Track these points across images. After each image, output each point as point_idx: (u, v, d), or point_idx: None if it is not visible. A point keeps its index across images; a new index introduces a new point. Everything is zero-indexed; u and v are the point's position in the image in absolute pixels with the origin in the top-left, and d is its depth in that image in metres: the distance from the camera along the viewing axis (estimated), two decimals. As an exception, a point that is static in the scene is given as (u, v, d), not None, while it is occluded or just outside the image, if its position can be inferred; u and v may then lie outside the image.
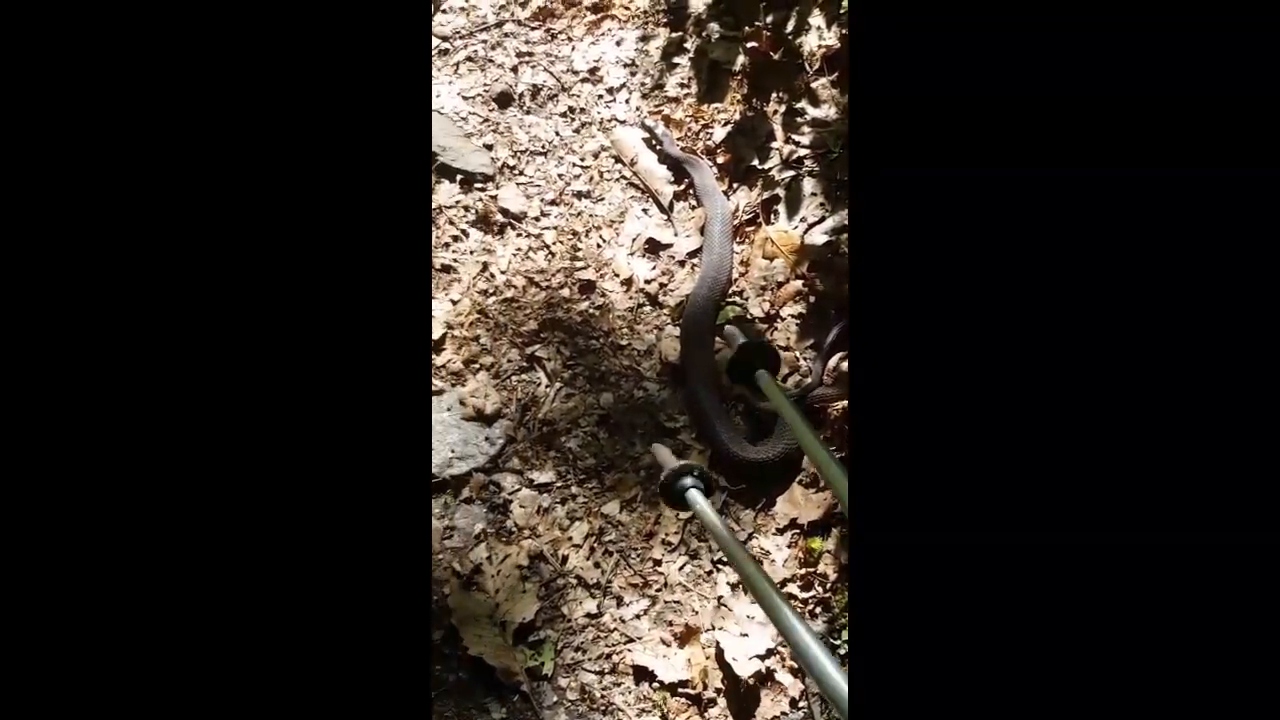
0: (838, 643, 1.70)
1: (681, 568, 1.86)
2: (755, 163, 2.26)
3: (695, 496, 1.36)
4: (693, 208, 2.27)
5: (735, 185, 2.28)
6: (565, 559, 1.86)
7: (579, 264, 2.22)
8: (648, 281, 2.19)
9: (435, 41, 2.56)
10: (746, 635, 1.75)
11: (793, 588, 1.79)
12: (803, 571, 1.79)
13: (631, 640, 1.79)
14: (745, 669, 1.70)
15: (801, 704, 1.68)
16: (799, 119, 2.24)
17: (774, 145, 2.25)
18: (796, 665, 1.70)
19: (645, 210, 2.31)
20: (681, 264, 2.21)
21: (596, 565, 1.86)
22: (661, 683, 1.74)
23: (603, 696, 1.74)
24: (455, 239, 2.28)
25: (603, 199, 2.33)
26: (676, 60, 2.47)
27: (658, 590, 1.84)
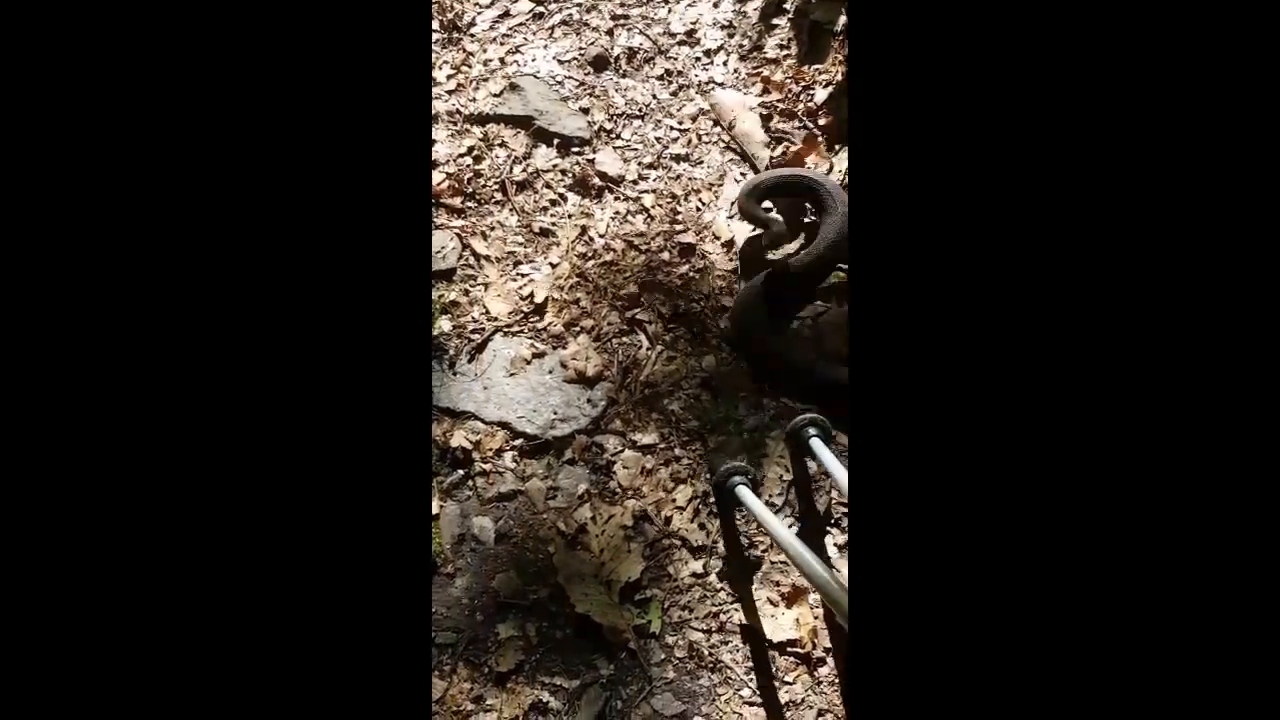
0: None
1: (789, 528, 1.85)
2: (858, 124, 2.22)
3: (744, 492, 1.59)
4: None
5: (838, 147, 2.24)
6: (669, 520, 1.86)
7: (678, 227, 2.20)
8: (738, 249, 2.17)
9: (530, 5, 2.56)
10: (855, 597, 1.73)
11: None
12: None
13: (737, 600, 1.79)
14: (855, 630, 1.68)
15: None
16: (903, 78, 2.19)
17: (877, 106, 2.21)
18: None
19: (744, 174, 2.29)
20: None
21: (701, 527, 1.85)
22: (770, 642, 1.73)
23: (711, 655, 1.74)
24: (553, 203, 2.29)
25: (701, 162, 2.32)
26: (775, 21, 2.43)
27: (763, 551, 1.83)
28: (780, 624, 1.74)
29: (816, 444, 1.69)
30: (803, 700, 1.68)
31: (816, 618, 1.73)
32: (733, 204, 2.17)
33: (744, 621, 1.76)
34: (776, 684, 1.70)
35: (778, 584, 1.79)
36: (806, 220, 2.14)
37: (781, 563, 1.82)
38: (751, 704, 1.69)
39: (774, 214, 2.14)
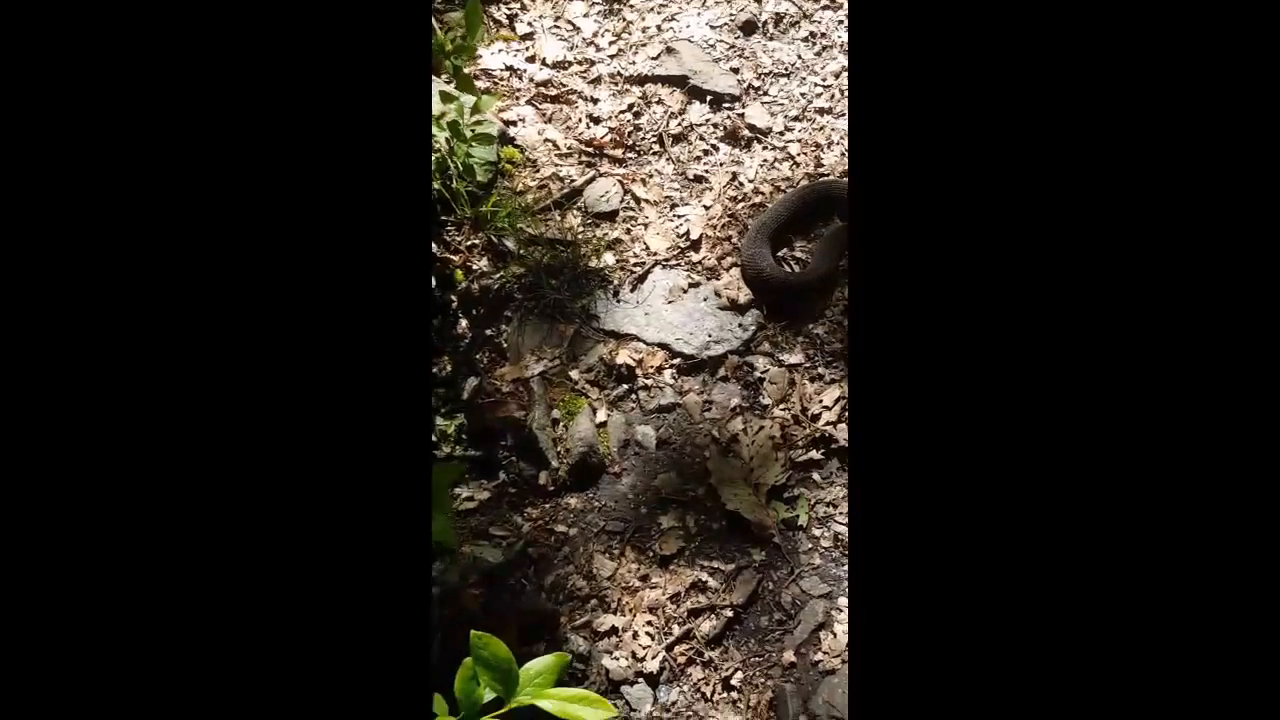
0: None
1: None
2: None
3: None
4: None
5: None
6: (817, 417, 2.06)
7: (822, 170, 2.39)
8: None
9: (684, -23, 2.79)
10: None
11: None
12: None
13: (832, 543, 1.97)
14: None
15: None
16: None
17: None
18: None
19: (884, 124, 2.46)
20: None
21: (845, 429, 2.04)
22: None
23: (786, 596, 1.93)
24: (705, 153, 2.51)
25: (844, 115, 2.50)
26: (916, -18, 2.59)
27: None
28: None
29: None
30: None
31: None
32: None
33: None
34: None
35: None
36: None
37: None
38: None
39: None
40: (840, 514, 1.97)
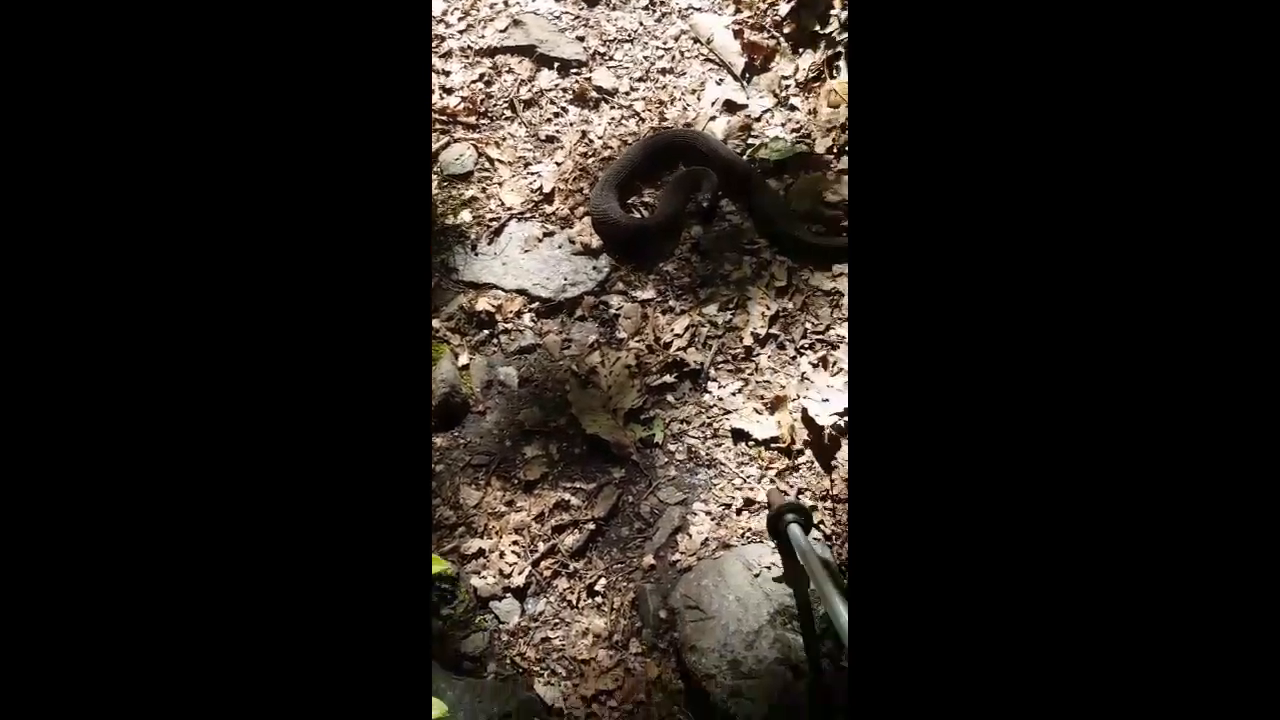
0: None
1: (770, 353, 2.16)
2: (817, 28, 2.55)
3: (795, 531, 1.48)
4: (756, 74, 2.56)
5: (801, 49, 2.57)
6: (668, 345, 2.17)
7: (666, 125, 2.53)
8: (725, 136, 2.49)
9: (529, -44, 2.91)
10: (827, 400, 2.03)
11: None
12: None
13: (729, 411, 2.09)
14: (827, 423, 1.98)
15: (877, 448, 1.95)
16: (855, -15, 2.52)
17: (833, 12, 2.54)
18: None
19: (720, 80, 2.61)
20: (757, 119, 2.51)
21: (695, 352, 2.16)
22: (755, 439, 2.03)
23: (707, 454, 2.04)
24: (556, 115, 2.62)
25: (684, 74, 2.65)
26: (743, -50, 2.77)
27: (750, 374, 2.14)
28: (765, 426, 2.04)
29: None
30: (784, 479, 1.98)
31: (795, 420, 2.02)
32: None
33: (735, 427, 2.06)
34: (761, 471, 2.00)
35: (762, 397, 2.09)
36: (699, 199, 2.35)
37: (765, 381, 2.12)
38: (741, 489, 1.98)
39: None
40: (692, 428, 2.08)
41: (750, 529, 1.92)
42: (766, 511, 1.53)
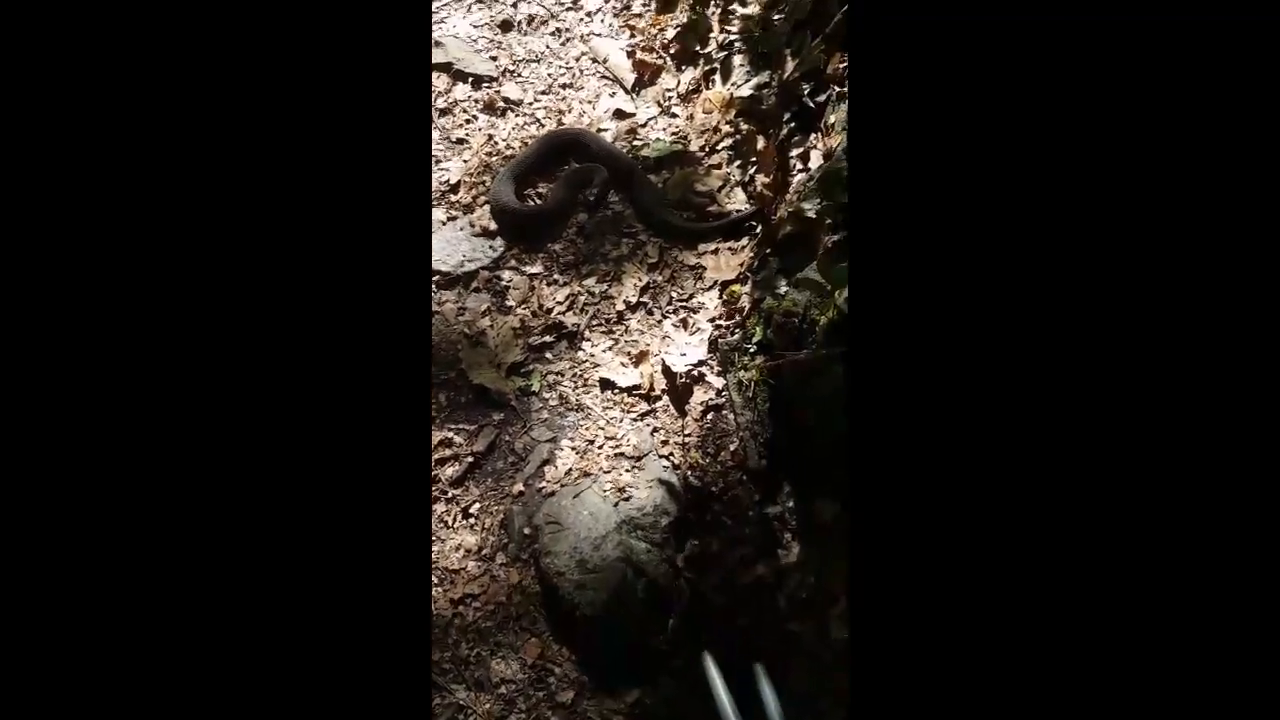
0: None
1: (638, 318, 2.43)
2: (698, 48, 2.89)
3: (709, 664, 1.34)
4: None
5: (684, 67, 2.90)
6: (550, 310, 2.44)
7: (563, 127, 2.84)
8: (615, 138, 2.80)
9: (451, -13, 3.25)
10: (685, 354, 2.31)
11: (721, 323, 2.35)
12: (728, 310, 2.36)
13: (598, 365, 2.35)
14: (682, 372, 2.25)
15: (723, 394, 2.23)
16: (731, 15, 2.87)
17: (712, 35, 2.89)
18: (721, 369, 2.25)
19: (614, 94, 2.94)
20: (643, 125, 2.83)
21: (574, 316, 2.43)
22: (619, 388, 2.29)
23: (577, 400, 2.30)
24: (468, 121, 2.92)
25: (582, 88, 2.97)
26: (639, -16, 3.13)
27: (620, 335, 2.41)
28: (628, 375, 2.31)
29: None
30: (642, 421, 2.24)
31: (654, 371, 2.29)
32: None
33: (603, 377, 2.32)
34: (622, 413, 2.26)
35: (629, 353, 2.36)
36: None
37: (632, 340, 2.39)
38: (603, 428, 2.24)
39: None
40: (565, 379, 2.34)
41: (605, 464, 2.17)
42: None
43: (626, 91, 2.92)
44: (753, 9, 2.81)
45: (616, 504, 1.99)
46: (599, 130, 2.81)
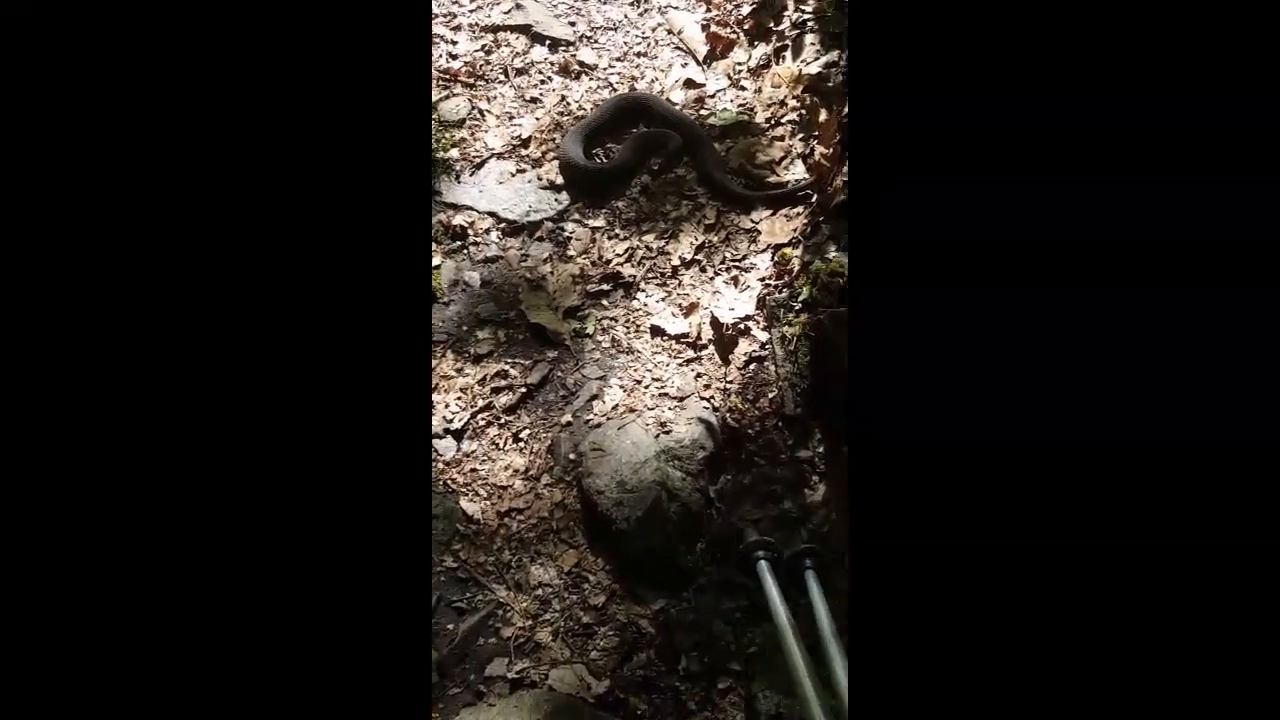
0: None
1: (692, 274, 2.56)
2: (771, 25, 3.01)
3: (763, 568, 1.52)
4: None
5: (756, 42, 3.03)
6: (609, 261, 2.58)
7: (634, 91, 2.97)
8: (683, 106, 2.93)
9: (538, -44, 3.40)
10: (733, 309, 2.43)
11: (771, 282, 2.47)
12: (778, 271, 2.47)
13: (650, 314, 2.49)
14: (729, 323, 2.38)
15: (766, 347, 2.35)
16: (805, -6, 2.99)
17: (785, 13, 3.00)
18: (766, 323, 2.37)
19: (685, 64, 3.07)
20: (711, 95, 2.96)
21: (631, 268, 2.57)
22: (669, 335, 2.42)
23: (628, 344, 2.44)
24: (542, 82, 3.07)
25: (656, 57, 3.10)
26: (717, -39, 3.25)
27: (673, 288, 2.54)
28: (678, 324, 2.44)
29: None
30: (687, 367, 2.37)
31: (703, 322, 2.42)
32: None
33: (654, 324, 2.45)
34: (669, 358, 2.39)
35: (680, 304, 2.49)
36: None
37: (684, 293, 2.52)
38: (650, 370, 2.38)
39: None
40: (619, 324, 2.48)
41: (650, 402, 2.30)
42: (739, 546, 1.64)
43: (698, 63, 3.04)
44: (826, -10, 2.92)
45: (657, 436, 2.11)
46: (668, 98, 2.94)
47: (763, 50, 2.98)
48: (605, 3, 3.26)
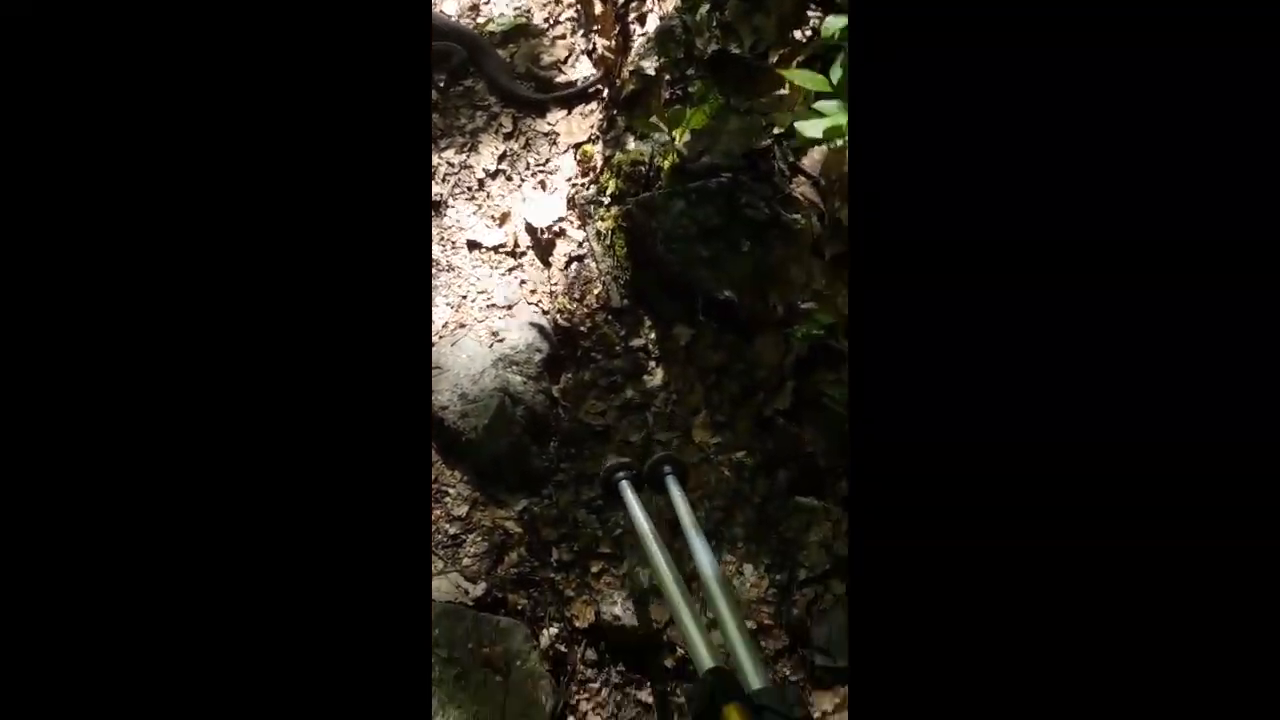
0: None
1: (499, 184, 2.57)
2: (534, -76, 2.98)
3: (625, 488, 1.61)
4: None
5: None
6: (410, 181, 2.55)
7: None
8: (459, 16, 2.88)
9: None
10: (545, 212, 2.46)
11: (577, 181, 2.51)
12: (582, 169, 2.52)
13: (465, 228, 2.49)
14: (543, 227, 2.41)
15: (583, 245, 2.40)
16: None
17: (547, -89, 2.98)
18: (580, 221, 2.42)
19: (457, -26, 3.00)
20: (486, 3, 2.92)
21: (437, 186, 2.55)
22: (486, 247, 2.44)
23: (447, 262, 2.44)
24: None
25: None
26: None
27: (483, 200, 2.55)
28: (493, 235, 2.45)
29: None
30: (510, 275, 2.40)
31: (518, 230, 2.45)
32: None
33: (470, 239, 2.46)
34: (491, 269, 2.41)
35: (491, 215, 2.51)
36: None
37: (495, 204, 2.53)
38: (474, 284, 2.39)
39: None
40: (435, 245, 2.47)
41: (479, 315, 2.32)
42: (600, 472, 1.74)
43: None
44: (584, -117, 2.91)
45: (491, 345, 2.15)
46: (441, 10, 2.89)
47: (531, -50, 2.96)
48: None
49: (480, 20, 2.84)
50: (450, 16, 2.83)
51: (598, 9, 2.64)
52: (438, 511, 1.93)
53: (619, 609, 1.85)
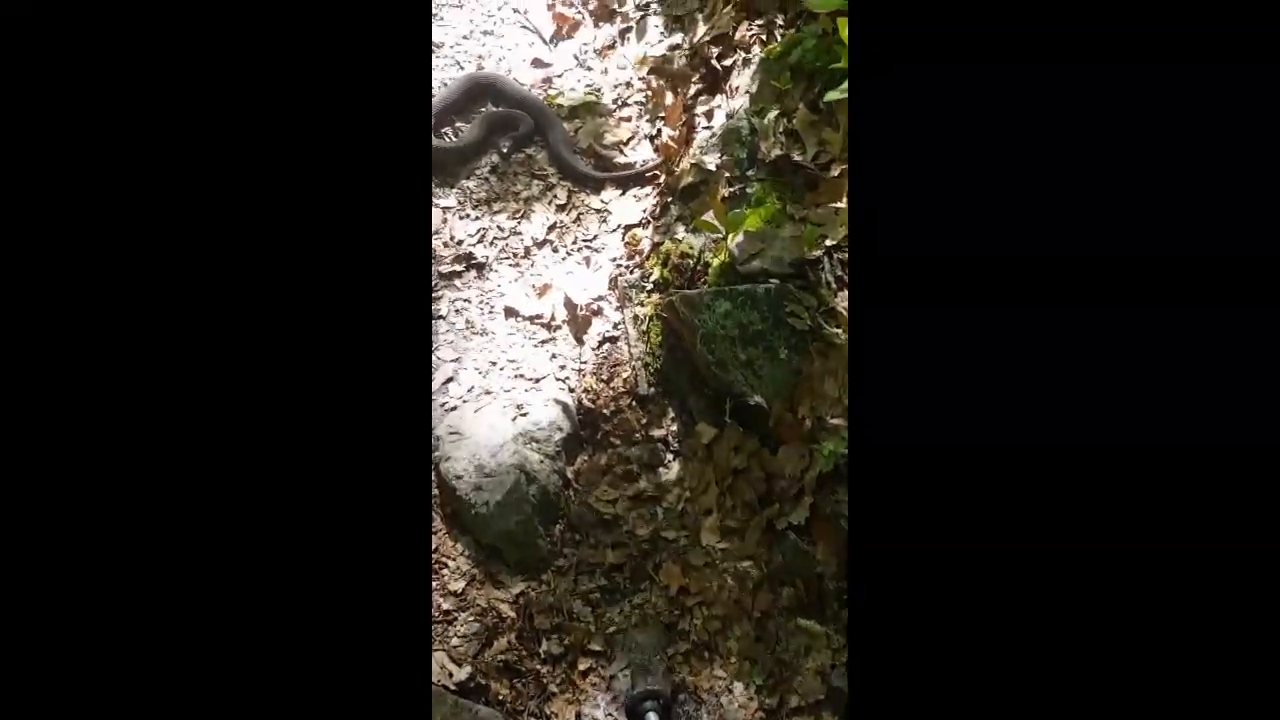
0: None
1: (545, 255, 2.57)
2: (615, 6, 3.03)
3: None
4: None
5: (601, 23, 3.04)
6: (461, 242, 2.56)
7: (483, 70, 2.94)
8: (531, 87, 2.91)
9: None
10: (586, 289, 2.46)
11: (622, 262, 2.50)
12: (629, 251, 2.51)
13: (504, 295, 2.49)
14: (582, 303, 2.41)
15: (619, 326, 2.39)
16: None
17: (631, -5, 3.03)
18: (619, 303, 2.41)
19: (532, 44, 3.06)
20: (559, 75, 2.95)
21: (483, 249, 2.56)
22: (522, 316, 2.43)
23: (481, 326, 2.43)
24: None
25: (503, 36, 3.08)
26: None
27: (526, 268, 2.55)
28: (532, 305, 2.45)
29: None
30: (542, 348, 2.38)
31: (556, 303, 2.44)
32: None
33: (508, 305, 2.45)
34: (524, 339, 2.40)
35: (534, 285, 2.50)
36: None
37: (536, 273, 2.53)
38: (505, 351, 2.37)
39: None
40: (473, 306, 2.46)
41: (506, 384, 2.30)
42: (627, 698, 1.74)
43: (545, 42, 3.04)
44: (670, -27, 2.96)
45: (514, 418, 2.13)
46: (516, 78, 2.93)
47: (607, 31, 3.00)
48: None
49: (551, 92, 2.87)
50: (523, 85, 2.86)
51: (668, 99, 2.66)
52: (434, 584, 1.89)
53: (600, 714, 1.79)
